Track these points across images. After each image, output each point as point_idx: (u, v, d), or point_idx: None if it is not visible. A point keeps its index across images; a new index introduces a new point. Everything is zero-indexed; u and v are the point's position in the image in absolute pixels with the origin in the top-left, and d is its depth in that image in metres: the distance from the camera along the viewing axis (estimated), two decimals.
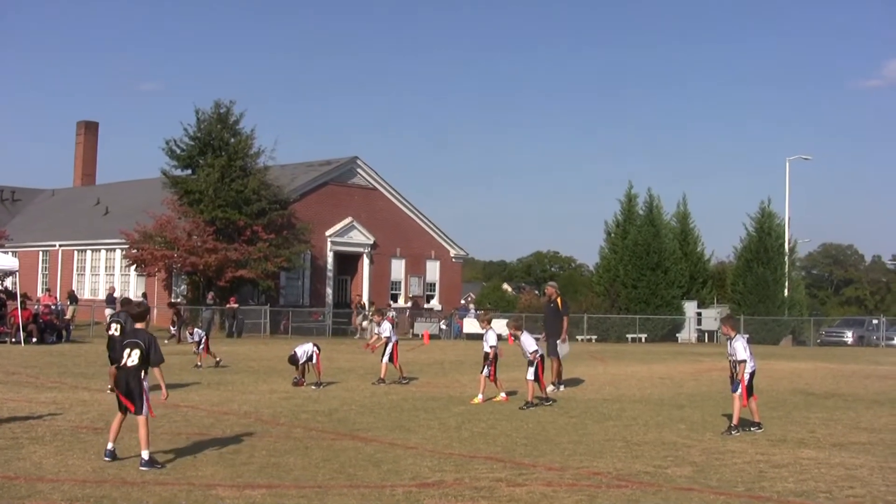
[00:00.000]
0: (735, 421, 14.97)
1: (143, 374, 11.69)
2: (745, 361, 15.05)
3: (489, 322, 20.16)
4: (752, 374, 15.29)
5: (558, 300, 22.37)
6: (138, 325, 12.26)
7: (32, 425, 13.95)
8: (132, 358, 11.65)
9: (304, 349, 21.54)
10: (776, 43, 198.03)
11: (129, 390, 11.59)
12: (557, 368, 21.99)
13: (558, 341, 21.88)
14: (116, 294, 47.42)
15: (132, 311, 13.07)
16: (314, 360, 21.52)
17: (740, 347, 15.14)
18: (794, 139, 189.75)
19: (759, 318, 57.95)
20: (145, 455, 11.24)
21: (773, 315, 58.35)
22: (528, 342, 18.88)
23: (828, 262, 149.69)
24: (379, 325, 23.64)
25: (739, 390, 15.03)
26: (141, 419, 11.45)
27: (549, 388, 21.28)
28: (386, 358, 22.66)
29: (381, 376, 22.46)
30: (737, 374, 15.13)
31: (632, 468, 11.67)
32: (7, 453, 11.77)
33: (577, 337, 24.73)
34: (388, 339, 22.88)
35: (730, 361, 15.38)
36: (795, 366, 32.61)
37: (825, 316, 75.84)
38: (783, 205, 64.09)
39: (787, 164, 64.49)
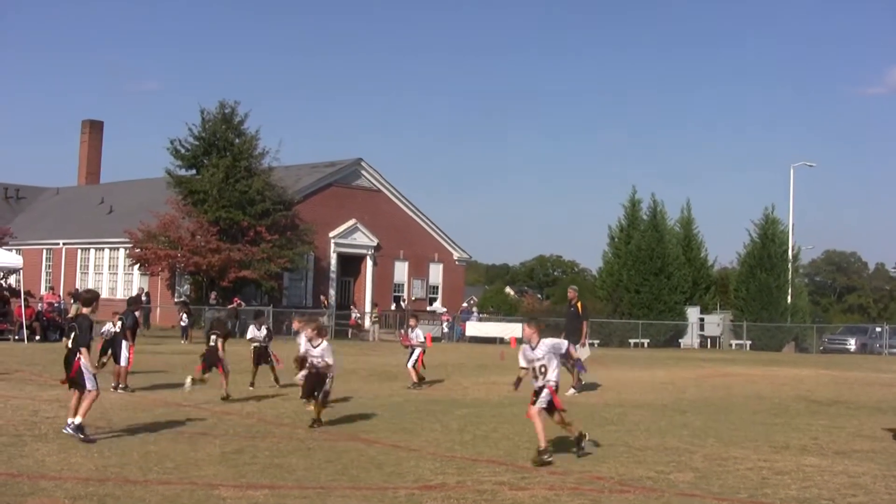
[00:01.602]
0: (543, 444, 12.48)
1: (77, 354, 12.54)
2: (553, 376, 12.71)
3: (317, 331, 15.61)
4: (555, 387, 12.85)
5: (578, 304, 22.80)
6: (84, 310, 13.05)
7: (35, 423, 13.96)
8: (71, 340, 12.66)
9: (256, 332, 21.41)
10: (779, 50, 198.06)
11: (69, 371, 12.61)
12: (575, 372, 22.19)
13: (577, 345, 22.04)
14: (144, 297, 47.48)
15: (80, 297, 13.49)
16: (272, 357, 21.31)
17: (553, 364, 12.71)
18: (797, 146, 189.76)
19: (762, 324, 57.94)
20: (77, 420, 12.36)
21: (776, 322, 58.32)
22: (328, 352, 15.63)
23: (831, 269, 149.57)
24: (413, 329, 23.42)
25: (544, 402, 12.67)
26: (86, 394, 12.48)
27: (570, 392, 21.54)
28: (411, 363, 22.64)
29: (415, 380, 22.37)
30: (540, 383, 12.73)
31: (634, 473, 11.67)
32: (10, 451, 11.78)
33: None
34: (421, 344, 22.97)
35: (533, 369, 12.75)
36: (798, 372, 32.60)
37: (828, 323, 75.78)
38: (787, 211, 64.09)
39: (792, 170, 64.51)
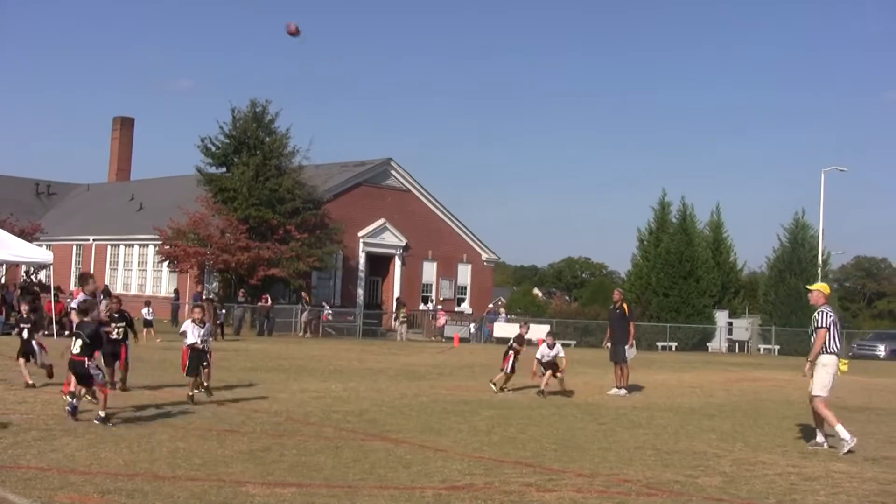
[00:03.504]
0: None
1: (87, 360, 13.54)
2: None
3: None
4: None
5: (625, 306, 22.95)
6: (86, 319, 14.01)
7: (65, 417, 14.01)
8: (75, 347, 13.54)
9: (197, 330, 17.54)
10: (811, 52, 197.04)
11: (81, 375, 13.64)
12: (626, 373, 22.59)
13: (626, 346, 22.40)
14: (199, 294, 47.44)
15: (79, 306, 15.04)
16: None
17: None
18: (828, 149, 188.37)
19: (791, 329, 57.67)
20: (101, 413, 13.46)
21: (805, 326, 57.62)
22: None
23: (861, 274, 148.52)
24: (552, 347, 21.73)
25: None
26: (98, 391, 13.64)
27: (622, 392, 22.15)
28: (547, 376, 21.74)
29: (542, 388, 21.51)
30: None
31: (662, 477, 11.63)
32: (40, 445, 11.84)
33: (607, 344, 24.90)
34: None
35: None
36: None
37: (857, 329, 75.36)
38: (817, 216, 63.75)
39: (823, 175, 64.14)
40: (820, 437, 14.75)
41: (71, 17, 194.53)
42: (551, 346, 21.86)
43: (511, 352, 22.12)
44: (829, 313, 14.62)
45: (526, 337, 23.07)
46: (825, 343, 14.46)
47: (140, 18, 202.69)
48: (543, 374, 21.55)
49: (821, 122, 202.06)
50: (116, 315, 18.15)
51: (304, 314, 47.96)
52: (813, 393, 14.53)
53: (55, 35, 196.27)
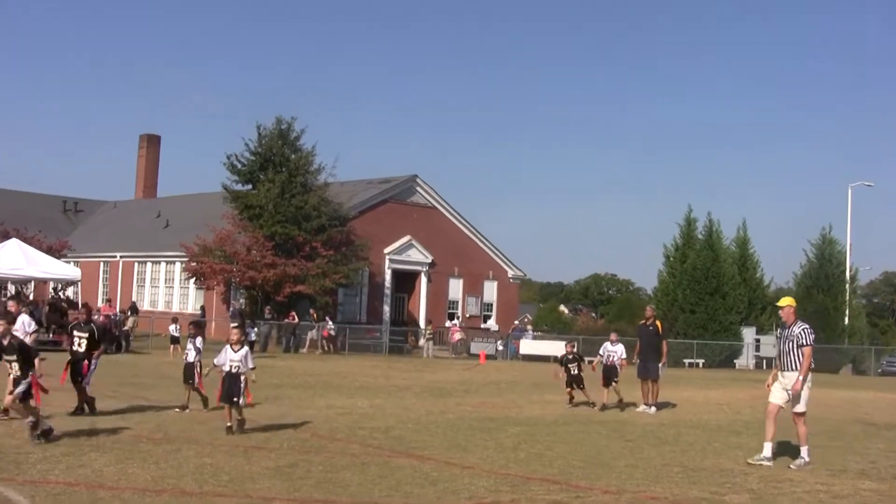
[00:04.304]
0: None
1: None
2: None
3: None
4: None
5: (658, 323, 22.89)
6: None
7: (93, 434, 14.08)
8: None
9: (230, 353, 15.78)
10: (839, 66, 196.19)
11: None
12: (656, 390, 22.48)
13: (660, 365, 22.40)
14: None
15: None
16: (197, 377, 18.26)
17: None
18: (855, 164, 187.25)
19: (819, 346, 56.84)
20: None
21: (833, 343, 57.59)
22: None
23: (889, 290, 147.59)
24: (614, 343, 22.97)
25: None
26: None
27: (651, 409, 22.02)
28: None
29: (604, 401, 22.31)
30: None
31: (689, 494, 11.58)
32: (69, 460, 11.91)
33: (635, 360, 24.79)
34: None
35: None
36: (855, 395, 32.21)
37: (886, 345, 74.84)
38: (844, 231, 63.39)
39: (850, 190, 63.83)
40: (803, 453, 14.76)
41: (97, 37, 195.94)
42: (614, 343, 22.16)
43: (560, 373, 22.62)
44: (812, 331, 14.90)
45: (572, 354, 23.07)
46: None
47: (165, 36, 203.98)
48: (608, 386, 22.25)
49: (849, 137, 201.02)
50: (83, 325, 17.31)
51: (312, 331, 47.84)
52: (799, 411, 14.70)
53: (83, 54, 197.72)
